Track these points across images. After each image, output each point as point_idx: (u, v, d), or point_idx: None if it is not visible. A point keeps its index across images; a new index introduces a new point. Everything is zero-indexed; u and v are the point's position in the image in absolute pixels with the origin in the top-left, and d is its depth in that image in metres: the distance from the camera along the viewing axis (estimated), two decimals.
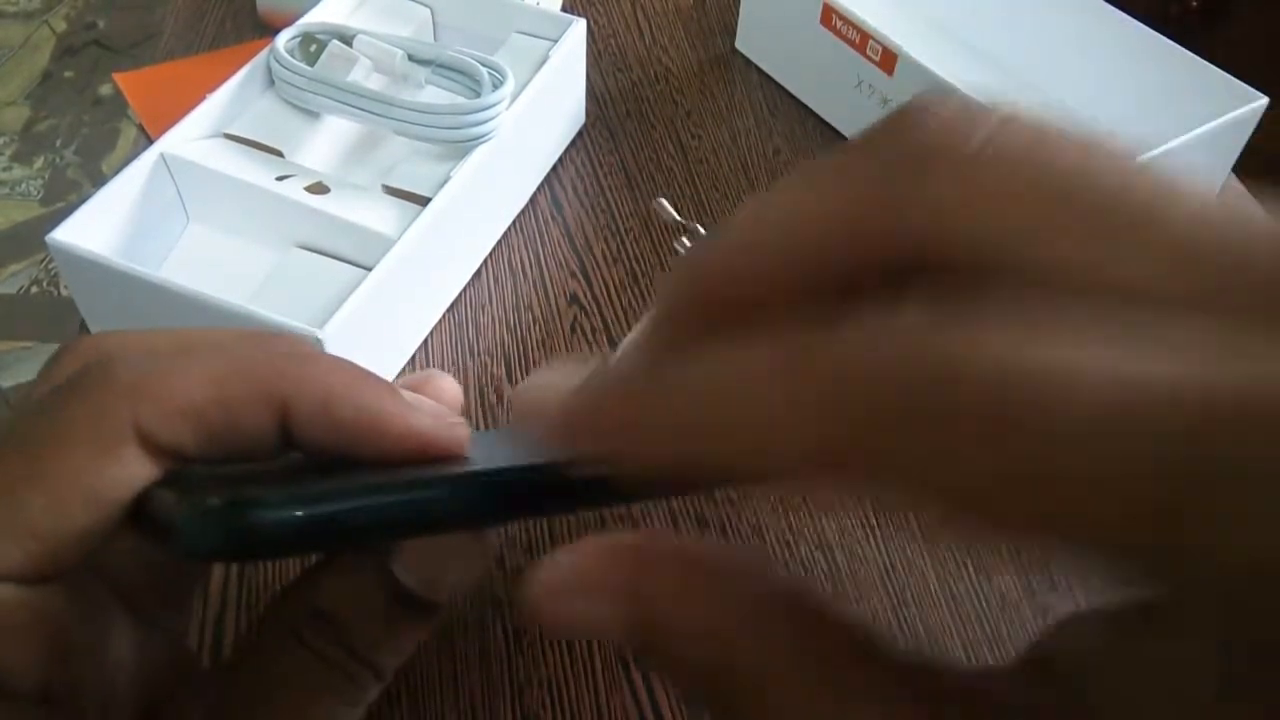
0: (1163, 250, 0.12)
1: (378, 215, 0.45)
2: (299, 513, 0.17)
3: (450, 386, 0.24)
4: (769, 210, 0.15)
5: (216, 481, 0.19)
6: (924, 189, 0.13)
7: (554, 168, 0.56)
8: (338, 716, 0.21)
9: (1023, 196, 0.12)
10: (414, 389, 0.23)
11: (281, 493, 0.18)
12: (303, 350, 0.22)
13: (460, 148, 0.48)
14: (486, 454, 0.22)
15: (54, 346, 1.54)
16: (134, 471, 0.19)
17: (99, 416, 0.18)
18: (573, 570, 0.16)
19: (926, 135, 0.13)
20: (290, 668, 0.20)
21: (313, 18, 0.53)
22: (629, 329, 0.48)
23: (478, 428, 0.44)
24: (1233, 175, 0.56)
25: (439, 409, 0.21)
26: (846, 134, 0.58)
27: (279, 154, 0.49)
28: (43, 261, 1.50)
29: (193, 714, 0.22)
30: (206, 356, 0.20)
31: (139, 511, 0.19)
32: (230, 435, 0.19)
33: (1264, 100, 0.51)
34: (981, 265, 0.12)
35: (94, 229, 0.43)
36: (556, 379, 0.18)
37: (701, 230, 0.48)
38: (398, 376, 0.46)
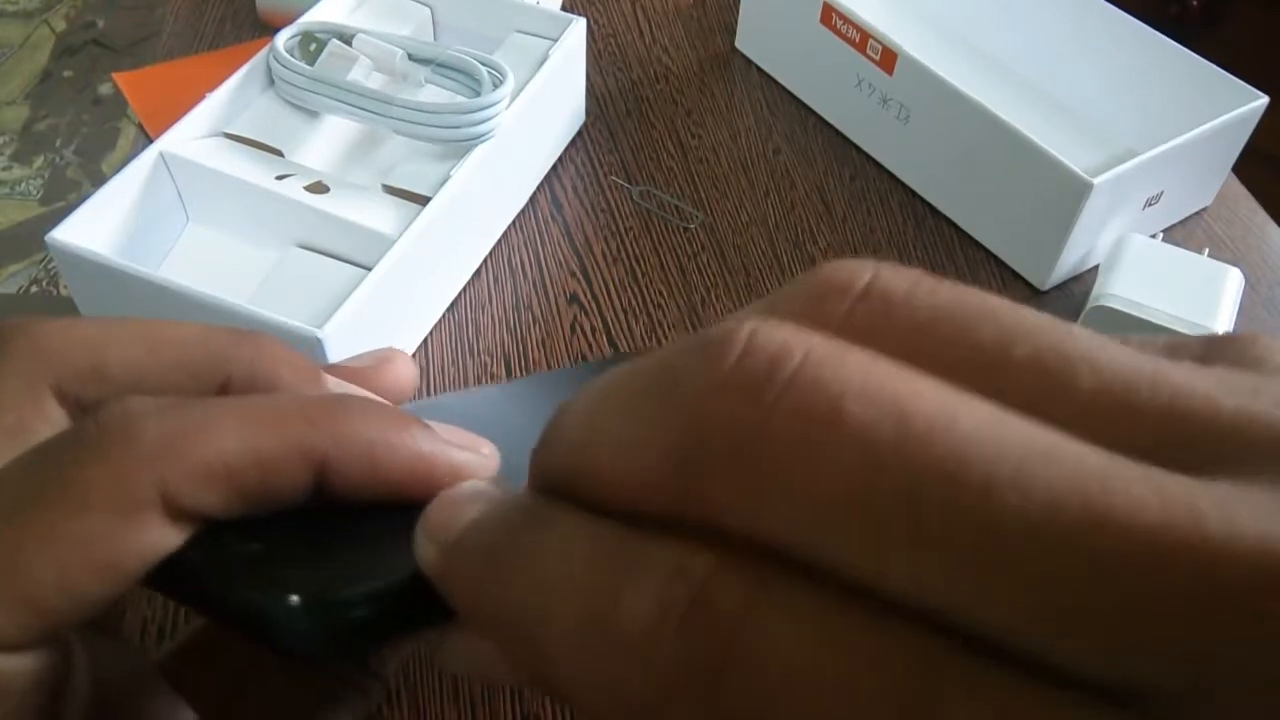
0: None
1: (377, 215, 0.45)
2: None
3: (407, 371, 0.23)
4: (593, 435, 0.14)
5: (287, 563, 0.18)
6: (709, 484, 0.12)
7: (554, 167, 0.55)
8: None
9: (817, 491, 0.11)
10: (371, 375, 0.23)
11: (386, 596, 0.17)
12: (331, 396, 0.21)
13: (460, 147, 0.48)
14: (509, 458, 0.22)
15: None
16: (156, 540, 0.17)
17: (118, 478, 0.17)
18: None
19: (713, 403, 0.12)
20: (297, 676, 0.20)
21: (312, 17, 0.53)
22: (629, 329, 0.48)
23: None
24: (1233, 175, 0.56)
25: (468, 437, 0.21)
26: (847, 133, 0.58)
27: (279, 153, 0.49)
28: (43, 261, 1.50)
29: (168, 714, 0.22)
30: (236, 409, 0.18)
31: (163, 574, 0.18)
32: (264, 498, 0.18)
33: (1264, 100, 0.51)
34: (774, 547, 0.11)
35: (94, 229, 0.43)
36: (470, 498, 0.17)
37: (693, 211, 0.48)
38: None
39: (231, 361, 0.20)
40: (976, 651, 0.10)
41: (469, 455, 0.20)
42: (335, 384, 0.21)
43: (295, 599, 0.16)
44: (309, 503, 0.19)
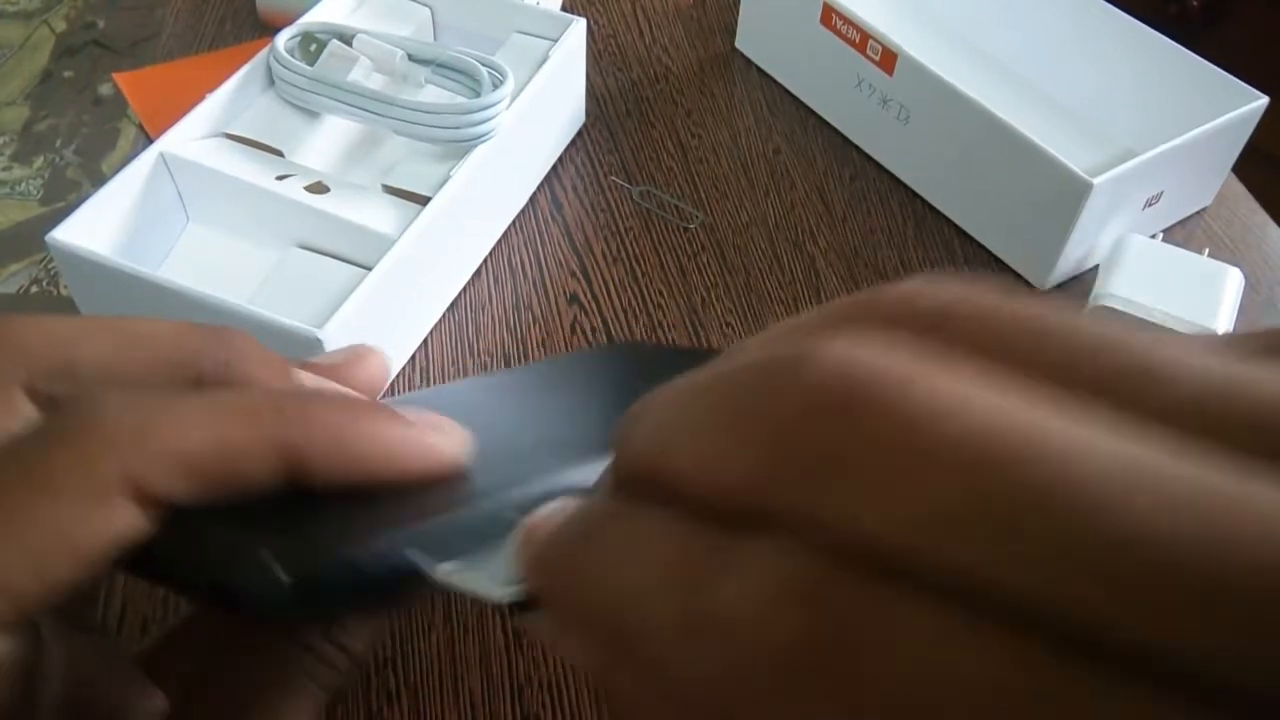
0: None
1: (377, 215, 0.45)
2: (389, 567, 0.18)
3: (380, 366, 0.24)
4: (682, 434, 0.14)
5: (264, 530, 0.18)
6: (802, 497, 0.11)
7: (554, 168, 0.56)
8: (318, 702, 0.21)
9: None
10: (343, 371, 0.23)
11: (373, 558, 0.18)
12: (301, 389, 0.21)
13: (460, 147, 0.48)
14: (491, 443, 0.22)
15: None
16: (124, 525, 0.17)
17: (85, 464, 0.17)
18: None
19: (807, 426, 0.11)
20: (267, 653, 0.20)
21: (313, 17, 0.53)
22: (629, 329, 0.48)
23: None
24: (1233, 175, 0.56)
25: (440, 421, 0.21)
26: (846, 134, 0.58)
27: (279, 154, 0.49)
28: (43, 261, 1.50)
29: (138, 702, 0.22)
30: (204, 400, 0.19)
31: (134, 558, 0.18)
32: (231, 484, 0.18)
33: (1264, 100, 0.51)
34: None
35: (94, 229, 0.43)
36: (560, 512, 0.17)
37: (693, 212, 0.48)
38: (338, 351, 0.46)
39: (204, 358, 0.20)
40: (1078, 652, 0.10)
41: (440, 437, 0.20)
42: (308, 379, 0.22)
43: (264, 553, 0.17)
44: (288, 488, 0.20)
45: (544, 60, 0.52)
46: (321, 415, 0.19)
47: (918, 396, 0.11)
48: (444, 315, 0.48)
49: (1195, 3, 0.61)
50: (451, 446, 0.20)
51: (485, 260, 0.51)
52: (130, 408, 0.18)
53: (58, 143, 1.68)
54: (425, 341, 0.47)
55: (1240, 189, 0.57)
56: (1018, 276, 0.52)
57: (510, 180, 0.52)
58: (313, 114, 0.51)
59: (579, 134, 0.57)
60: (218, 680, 0.21)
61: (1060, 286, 0.51)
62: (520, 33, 0.55)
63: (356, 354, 0.23)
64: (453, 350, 0.47)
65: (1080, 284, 0.52)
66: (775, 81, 0.62)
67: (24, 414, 0.19)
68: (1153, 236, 0.49)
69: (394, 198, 0.47)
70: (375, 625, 0.22)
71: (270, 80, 0.51)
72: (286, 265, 0.46)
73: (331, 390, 0.21)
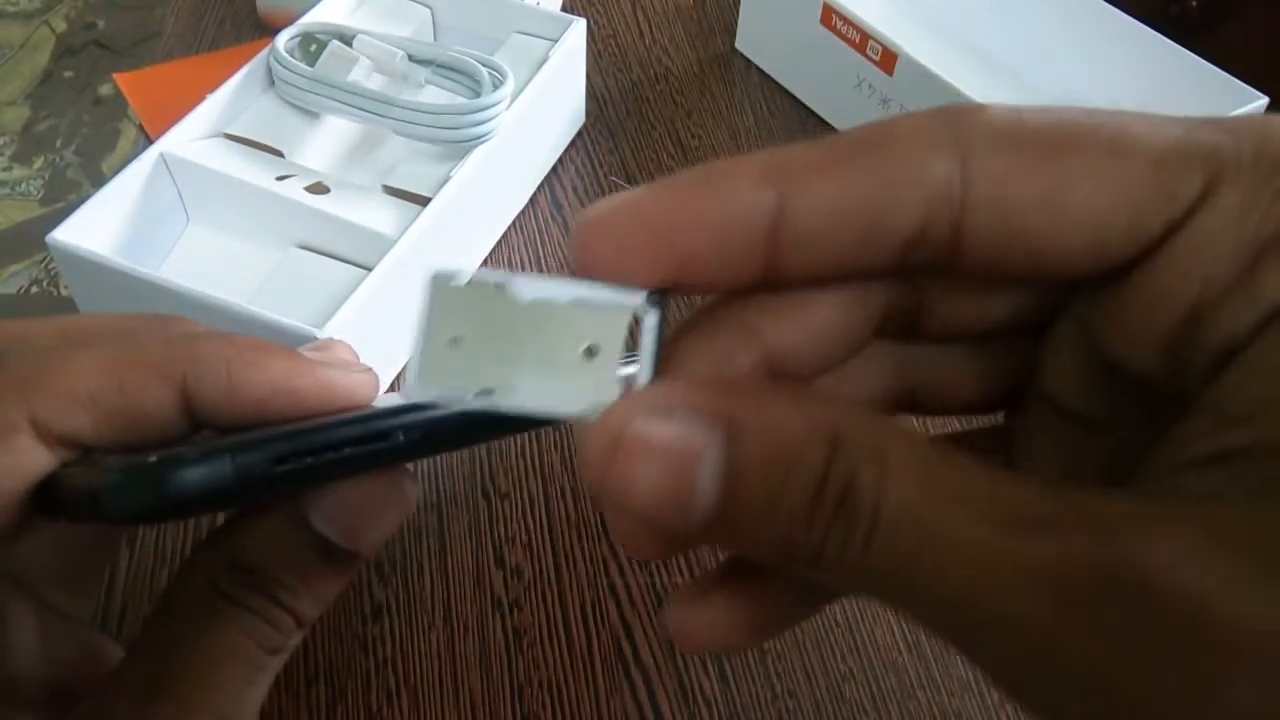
0: None
1: (378, 215, 0.45)
2: (228, 460, 0.18)
3: (349, 354, 0.24)
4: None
5: (131, 455, 0.19)
6: None
7: (554, 168, 0.56)
8: (258, 662, 0.21)
9: None
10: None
11: (206, 446, 0.18)
12: (195, 328, 0.23)
13: (460, 148, 0.48)
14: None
15: None
16: (30, 461, 0.19)
17: None
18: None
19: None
20: (207, 614, 0.21)
21: (313, 18, 0.53)
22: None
23: None
24: None
25: (345, 359, 0.22)
26: None
27: (279, 154, 0.49)
28: (43, 261, 1.50)
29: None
30: (97, 344, 0.20)
31: (46, 498, 0.19)
32: (132, 420, 0.20)
33: (1264, 100, 0.51)
34: None
35: (94, 229, 0.43)
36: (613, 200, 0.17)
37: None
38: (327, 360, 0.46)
39: (141, 335, 0.22)
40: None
41: (341, 372, 0.21)
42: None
43: (116, 469, 0.18)
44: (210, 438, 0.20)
45: (544, 60, 0.52)
46: (210, 350, 0.20)
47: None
48: None
49: (1195, 3, 0.61)
50: (354, 382, 0.21)
51: (485, 260, 0.51)
52: (35, 359, 0.20)
53: (58, 143, 1.68)
54: None
55: None
56: None
57: (510, 180, 0.52)
58: (313, 114, 0.51)
59: (579, 134, 0.57)
60: (152, 645, 0.21)
61: None
62: (520, 33, 0.55)
63: (325, 347, 0.24)
64: None
65: None
66: (775, 81, 0.62)
67: None
68: None
69: (394, 198, 0.47)
70: (324, 591, 0.22)
71: (270, 81, 0.51)
72: (286, 265, 0.46)
73: (230, 334, 0.22)
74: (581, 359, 0.17)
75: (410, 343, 0.18)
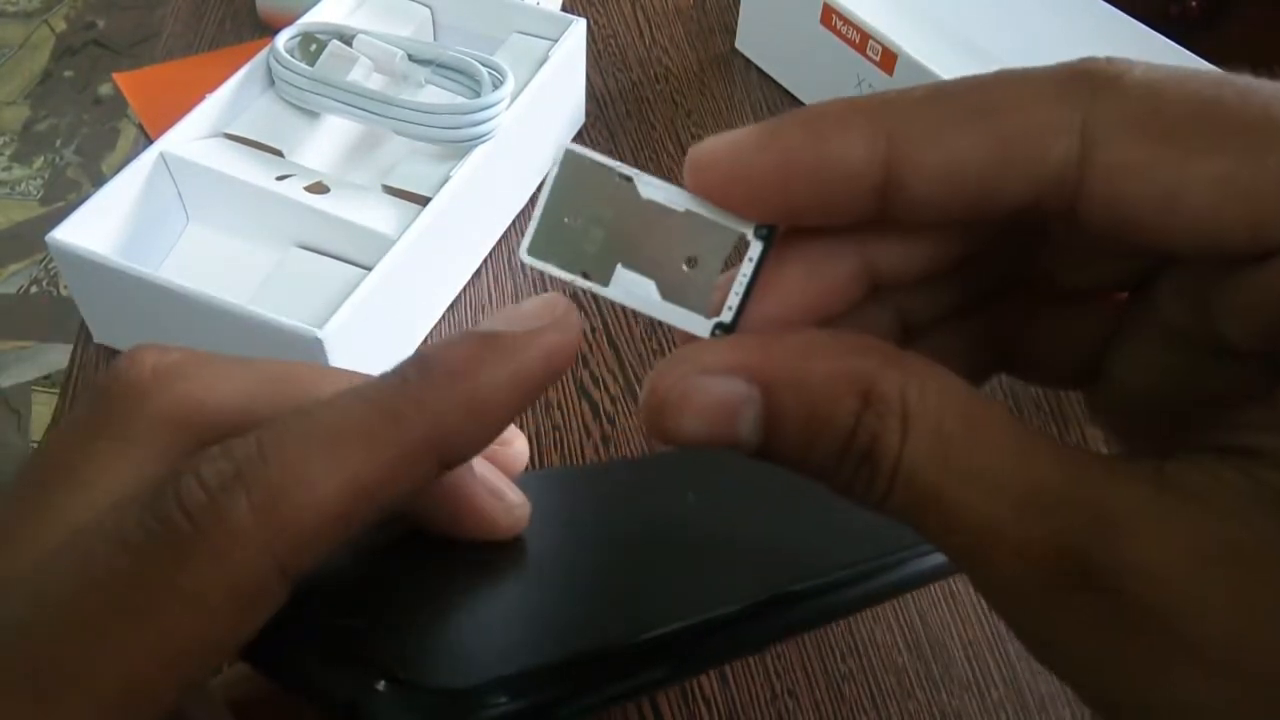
0: None
1: (377, 215, 0.45)
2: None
3: (523, 451, 0.24)
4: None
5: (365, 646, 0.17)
6: None
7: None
8: None
9: None
10: (492, 452, 0.23)
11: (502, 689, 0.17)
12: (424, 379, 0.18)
13: (460, 148, 0.48)
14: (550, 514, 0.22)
15: (53, 346, 1.52)
16: (268, 611, 0.16)
17: (234, 574, 0.15)
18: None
19: None
20: None
21: (312, 17, 0.53)
22: (629, 329, 0.48)
23: None
24: None
25: (511, 489, 0.22)
26: None
27: (279, 154, 0.49)
28: (42, 261, 1.50)
29: None
30: (325, 436, 0.16)
31: (263, 649, 0.17)
32: (387, 507, 0.16)
33: None
34: None
35: (94, 229, 0.43)
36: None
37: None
38: None
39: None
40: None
41: (519, 511, 0.21)
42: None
43: (382, 685, 0.16)
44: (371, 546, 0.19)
45: (544, 60, 0.52)
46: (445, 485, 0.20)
47: None
48: (444, 315, 0.48)
49: (1195, 3, 0.61)
50: (520, 518, 0.21)
51: (485, 260, 0.51)
52: (254, 486, 0.15)
53: (58, 143, 1.68)
54: (425, 341, 0.47)
55: None
56: None
57: (510, 180, 0.52)
58: (313, 114, 0.51)
59: (579, 134, 0.57)
60: None
61: None
62: (520, 33, 0.55)
63: (509, 440, 0.23)
64: None
65: None
66: (775, 81, 0.62)
67: (152, 472, 0.18)
68: None
69: (394, 198, 0.47)
70: None
71: (270, 80, 0.51)
72: (286, 265, 0.46)
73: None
74: (682, 266, 0.18)
75: (534, 208, 0.18)
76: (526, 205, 0.53)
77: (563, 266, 0.18)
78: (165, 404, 0.18)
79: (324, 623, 0.18)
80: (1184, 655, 0.14)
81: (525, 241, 0.18)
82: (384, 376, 0.17)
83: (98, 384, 0.19)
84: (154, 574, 0.15)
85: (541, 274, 0.50)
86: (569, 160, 0.18)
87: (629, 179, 0.18)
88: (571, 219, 0.18)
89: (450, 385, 0.16)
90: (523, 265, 0.51)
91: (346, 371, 0.21)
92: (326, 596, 0.18)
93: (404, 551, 0.21)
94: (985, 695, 0.36)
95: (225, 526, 0.15)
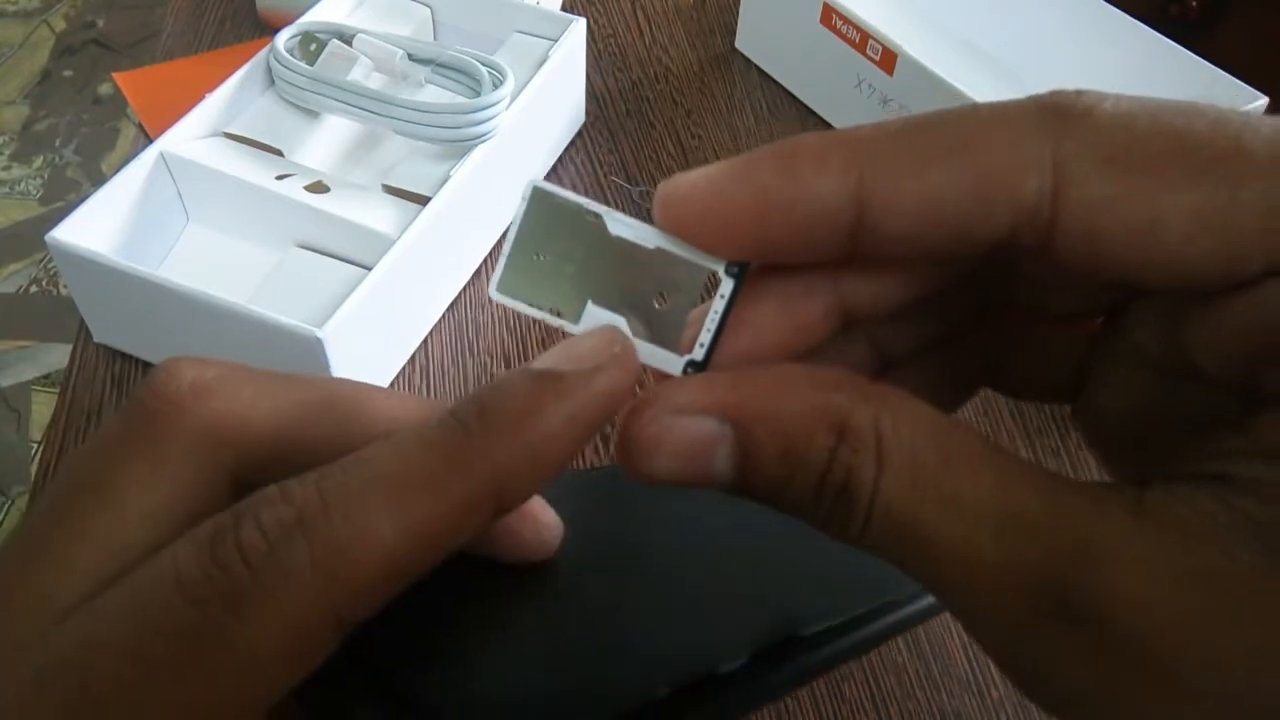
0: None
1: (377, 215, 0.45)
2: None
3: (555, 525, 0.23)
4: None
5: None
6: None
7: (554, 167, 0.55)
8: None
9: None
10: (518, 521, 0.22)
11: None
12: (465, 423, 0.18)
13: (460, 147, 0.48)
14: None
15: (53, 346, 1.52)
16: (315, 664, 0.16)
17: (293, 627, 0.15)
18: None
19: None
20: None
21: (312, 17, 0.53)
22: None
23: None
24: None
25: (544, 509, 0.22)
26: None
27: (279, 153, 0.49)
28: (42, 261, 1.50)
29: None
30: (378, 485, 0.15)
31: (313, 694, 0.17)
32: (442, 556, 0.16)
33: (1264, 100, 0.51)
34: None
35: (93, 228, 0.43)
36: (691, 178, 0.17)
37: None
38: (393, 382, 0.46)
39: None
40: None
41: (553, 535, 0.21)
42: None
43: None
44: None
45: (544, 60, 0.52)
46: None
47: None
48: (444, 315, 0.48)
49: (1195, 3, 0.61)
50: (553, 543, 0.22)
51: (485, 260, 0.51)
52: (311, 537, 0.15)
53: (57, 142, 1.68)
54: (425, 341, 0.47)
55: None
56: None
57: (510, 180, 0.52)
58: (313, 114, 0.50)
59: (579, 134, 0.57)
60: None
61: None
62: (520, 33, 0.55)
63: (533, 513, 0.22)
64: (453, 350, 0.47)
65: None
66: (775, 81, 0.62)
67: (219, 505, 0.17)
68: None
69: (394, 198, 0.47)
70: None
71: (270, 80, 0.51)
72: (286, 265, 0.46)
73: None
74: (654, 304, 0.18)
75: (505, 241, 0.18)
76: None
77: (533, 304, 0.18)
78: (204, 422, 0.18)
79: (368, 674, 0.18)
80: (1164, 683, 0.14)
81: (495, 278, 0.18)
82: (443, 422, 0.16)
83: (133, 397, 0.18)
84: (212, 624, 0.15)
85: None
86: (537, 197, 0.17)
87: (598, 216, 0.17)
88: (541, 256, 0.18)
89: (512, 434, 0.16)
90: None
91: (385, 391, 0.20)
92: (372, 634, 0.17)
93: (443, 576, 0.21)
94: (985, 695, 0.36)
95: (285, 578, 0.15)
